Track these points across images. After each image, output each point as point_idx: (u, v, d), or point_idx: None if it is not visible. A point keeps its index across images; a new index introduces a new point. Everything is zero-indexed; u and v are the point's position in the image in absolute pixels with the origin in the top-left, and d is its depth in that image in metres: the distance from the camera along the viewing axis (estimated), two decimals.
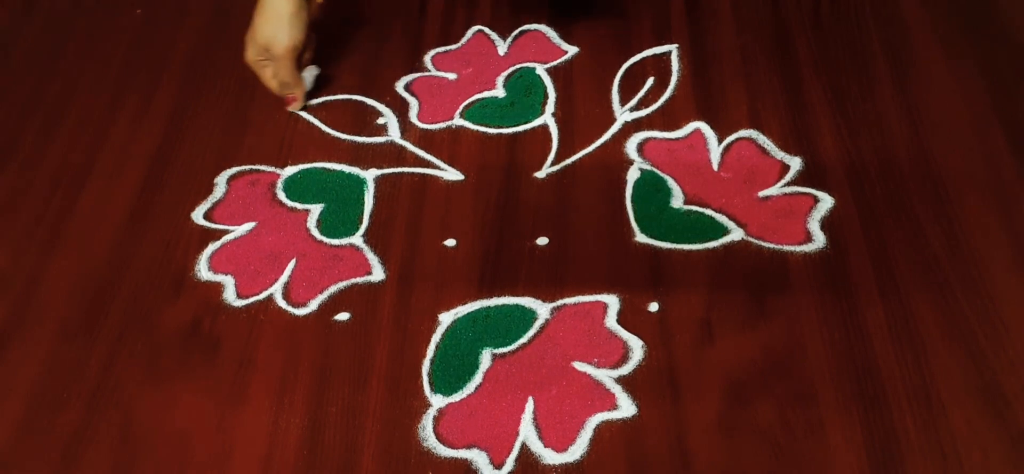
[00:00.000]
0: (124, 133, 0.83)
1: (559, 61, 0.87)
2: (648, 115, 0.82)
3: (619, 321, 0.68)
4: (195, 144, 0.82)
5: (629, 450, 0.61)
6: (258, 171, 0.80)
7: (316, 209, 0.76)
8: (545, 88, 0.85)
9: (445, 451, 0.62)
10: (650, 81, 0.85)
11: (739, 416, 0.62)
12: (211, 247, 0.74)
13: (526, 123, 0.82)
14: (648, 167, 0.78)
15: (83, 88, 0.88)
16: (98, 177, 0.80)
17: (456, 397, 0.64)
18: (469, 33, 0.91)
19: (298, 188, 0.78)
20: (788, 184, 0.76)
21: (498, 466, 0.61)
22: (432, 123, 0.83)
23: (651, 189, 0.76)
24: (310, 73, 0.83)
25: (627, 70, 0.86)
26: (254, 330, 0.69)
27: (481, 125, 0.82)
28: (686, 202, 0.75)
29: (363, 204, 0.77)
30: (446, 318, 0.69)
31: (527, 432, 0.62)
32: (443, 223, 0.75)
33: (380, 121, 0.83)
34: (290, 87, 0.81)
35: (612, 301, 0.69)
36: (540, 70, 0.86)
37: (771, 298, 0.68)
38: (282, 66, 0.79)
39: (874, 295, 0.68)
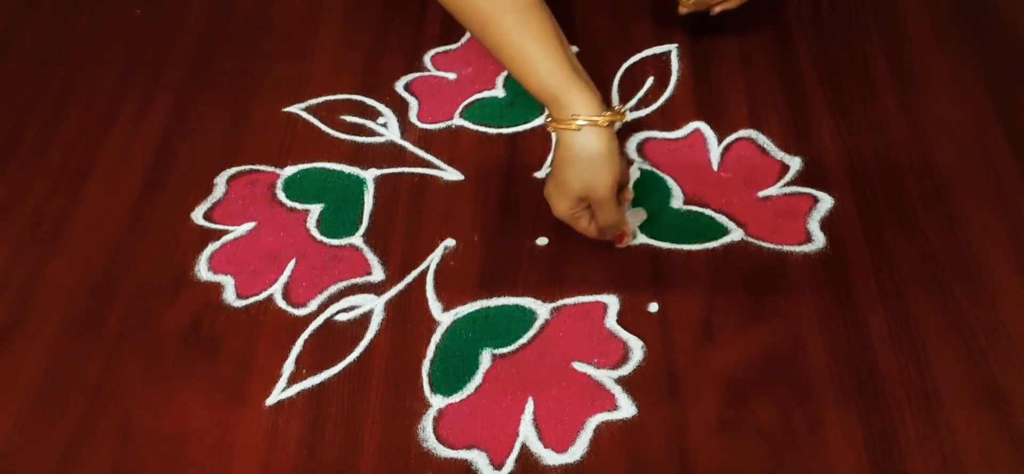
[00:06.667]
0: (124, 133, 0.83)
1: None
2: (648, 115, 0.82)
3: (619, 321, 0.68)
4: (195, 144, 0.82)
5: (629, 450, 0.61)
6: (258, 171, 0.79)
7: (316, 209, 0.76)
8: None
9: (445, 452, 0.62)
10: (650, 81, 0.85)
11: (739, 416, 0.62)
12: (211, 247, 0.74)
13: (526, 123, 0.82)
14: (648, 167, 0.78)
15: (83, 88, 0.88)
16: (98, 177, 0.80)
17: (456, 397, 0.64)
18: (469, 33, 0.91)
19: (298, 188, 0.78)
20: (788, 184, 0.76)
21: (498, 467, 0.61)
22: (432, 123, 0.82)
23: (651, 189, 0.76)
24: (636, 217, 0.73)
25: (627, 70, 0.86)
26: (254, 330, 0.69)
27: (481, 125, 0.82)
28: (686, 202, 0.75)
29: (363, 204, 0.77)
30: (446, 318, 0.69)
31: (527, 433, 0.62)
32: (443, 223, 0.75)
33: (380, 121, 0.83)
34: (617, 227, 0.70)
35: (612, 301, 0.69)
36: None
37: (771, 298, 0.68)
38: (607, 208, 0.68)
39: (874, 295, 0.68)
